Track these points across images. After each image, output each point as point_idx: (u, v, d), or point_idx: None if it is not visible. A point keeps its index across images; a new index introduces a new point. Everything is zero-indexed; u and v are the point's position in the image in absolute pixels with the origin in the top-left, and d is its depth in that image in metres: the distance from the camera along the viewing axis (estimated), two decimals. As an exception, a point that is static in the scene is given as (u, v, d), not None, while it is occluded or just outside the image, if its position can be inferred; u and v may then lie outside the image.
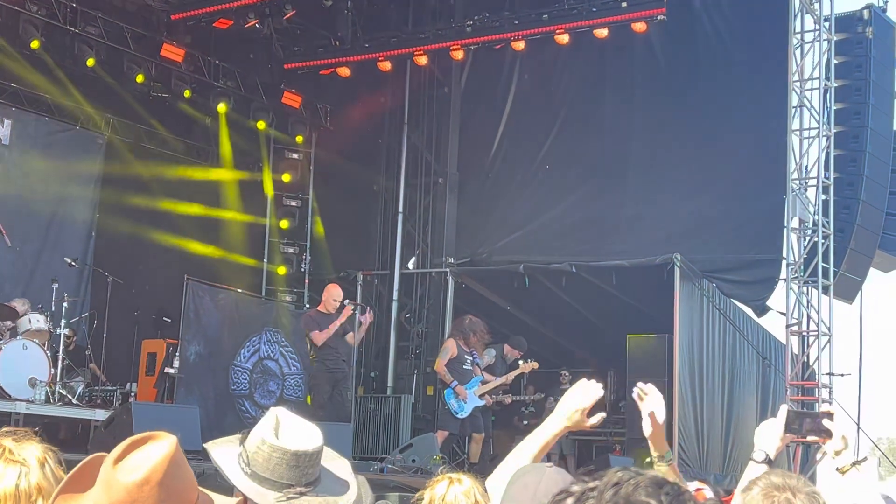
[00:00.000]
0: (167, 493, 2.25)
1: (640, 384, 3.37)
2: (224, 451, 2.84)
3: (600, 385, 3.12)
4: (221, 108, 15.89)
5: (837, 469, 3.85)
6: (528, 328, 16.00)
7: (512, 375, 13.27)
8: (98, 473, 2.30)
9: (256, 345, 14.60)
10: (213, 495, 2.46)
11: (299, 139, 16.88)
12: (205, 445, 2.90)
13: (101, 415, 11.21)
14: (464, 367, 12.71)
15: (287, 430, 2.79)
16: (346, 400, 12.60)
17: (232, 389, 14.02)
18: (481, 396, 12.78)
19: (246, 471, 2.76)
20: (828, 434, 3.75)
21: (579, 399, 3.07)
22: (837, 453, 3.78)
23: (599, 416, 3.11)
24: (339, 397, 12.32)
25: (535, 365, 13.23)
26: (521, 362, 13.29)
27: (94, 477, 2.31)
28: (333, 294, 12.32)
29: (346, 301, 12.30)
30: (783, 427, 3.66)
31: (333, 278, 16.77)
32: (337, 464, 2.95)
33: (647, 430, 3.44)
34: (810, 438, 3.89)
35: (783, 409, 3.74)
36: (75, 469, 2.42)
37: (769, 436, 3.66)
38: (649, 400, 3.38)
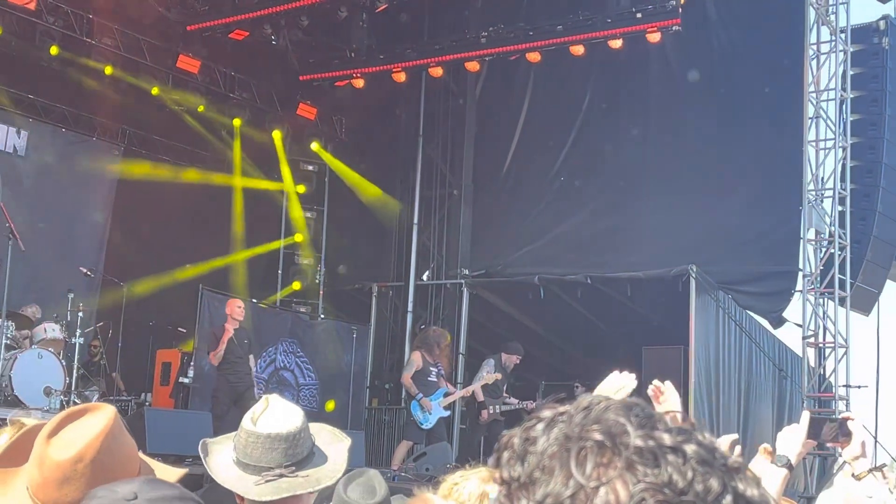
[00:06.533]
0: (102, 469, 2.17)
1: (655, 381, 3.33)
2: (222, 446, 2.89)
3: (633, 375, 3.08)
4: (236, 122, 16.03)
5: (854, 475, 3.82)
6: (543, 340, 15.96)
7: (478, 386, 13.44)
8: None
9: (273, 355, 14.62)
10: (155, 465, 2.39)
11: (315, 150, 16.93)
12: (204, 440, 2.92)
13: (115, 424, 11.21)
14: (428, 378, 12.91)
15: (267, 415, 2.83)
16: None
17: (246, 399, 14.02)
18: (446, 407, 13.03)
19: (234, 459, 2.81)
20: (849, 437, 3.72)
21: (612, 392, 3.03)
22: (855, 459, 3.76)
23: None
24: (244, 410, 12.25)
25: (498, 376, 13.35)
26: (485, 374, 13.37)
27: (30, 449, 2.23)
28: (235, 312, 12.38)
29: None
30: (805, 432, 3.63)
31: (348, 290, 16.83)
32: (337, 447, 2.98)
33: None
34: (830, 444, 3.86)
35: (805, 415, 3.71)
36: (12, 441, 2.34)
37: (791, 441, 3.64)
38: (666, 400, 3.34)
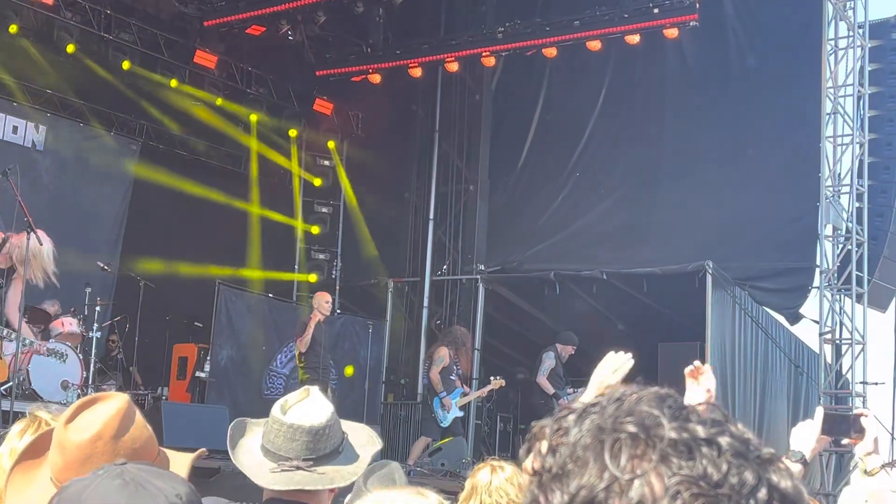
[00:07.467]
0: (121, 447, 2.24)
1: (696, 361, 3.30)
2: (260, 429, 2.92)
3: (629, 355, 3.07)
4: (253, 118, 16.07)
5: (866, 472, 3.81)
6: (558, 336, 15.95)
7: (486, 390, 13.50)
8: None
9: (293, 350, 14.64)
10: (170, 453, 2.45)
11: (331, 146, 16.95)
12: (244, 419, 2.95)
13: (132, 418, 11.24)
14: (450, 377, 12.98)
15: (299, 405, 2.84)
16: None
17: (265, 394, 14.07)
18: (461, 408, 13.09)
19: (261, 445, 2.83)
20: (862, 433, 3.72)
21: (610, 374, 3.03)
22: (867, 455, 3.75)
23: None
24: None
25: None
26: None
27: (49, 443, 2.31)
28: (322, 306, 12.38)
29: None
30: (819, 428, 3.63)
31: (364, 285, 16.85)
32: (369, 450, 3.00)
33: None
34: (844, 441, 3.85)
35: (819, 411, 3.71)
36: (32, 439, 2.43)
37: (805, 437, 3.63)
38: (705, 378, 3.30)
